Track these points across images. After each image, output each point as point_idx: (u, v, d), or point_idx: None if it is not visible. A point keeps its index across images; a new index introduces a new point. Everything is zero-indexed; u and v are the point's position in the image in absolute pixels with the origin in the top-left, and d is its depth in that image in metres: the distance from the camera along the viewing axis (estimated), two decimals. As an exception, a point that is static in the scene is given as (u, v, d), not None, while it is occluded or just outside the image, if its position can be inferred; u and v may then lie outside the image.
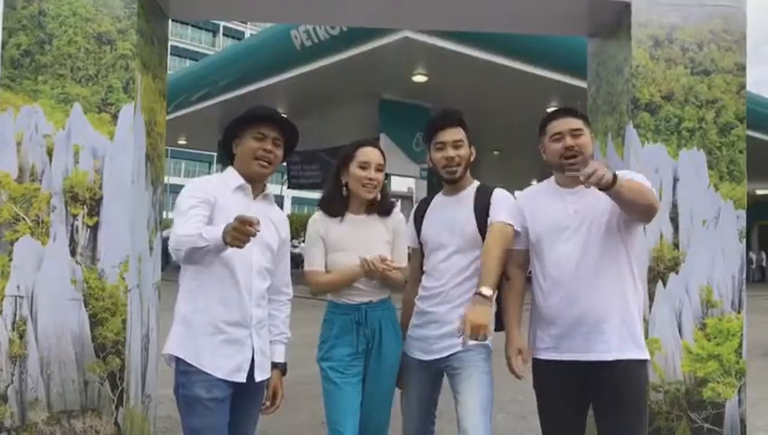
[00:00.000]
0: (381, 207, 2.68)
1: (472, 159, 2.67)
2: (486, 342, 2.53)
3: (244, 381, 2.18)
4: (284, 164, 19.97)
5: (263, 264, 2.26)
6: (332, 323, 2.61)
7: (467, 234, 2.58)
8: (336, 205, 2.66)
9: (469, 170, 2.72)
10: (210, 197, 2.17)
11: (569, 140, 2.36)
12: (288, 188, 20.51)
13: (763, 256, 27.94)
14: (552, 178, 2.54)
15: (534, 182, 25.49)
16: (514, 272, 2.54)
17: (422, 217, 2.77)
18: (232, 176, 2.30)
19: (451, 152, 2.59)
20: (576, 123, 2.40)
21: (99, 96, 3.14)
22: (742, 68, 3.36)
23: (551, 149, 2.44)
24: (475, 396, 2.48)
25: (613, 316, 2.33)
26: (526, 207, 2.52)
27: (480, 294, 2.33)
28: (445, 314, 2.57)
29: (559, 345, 2.38)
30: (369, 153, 2.61)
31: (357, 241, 2.60)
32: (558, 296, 2.36)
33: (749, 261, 28.57)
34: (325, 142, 17.78)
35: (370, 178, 2.57)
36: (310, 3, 3.70)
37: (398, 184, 16.32)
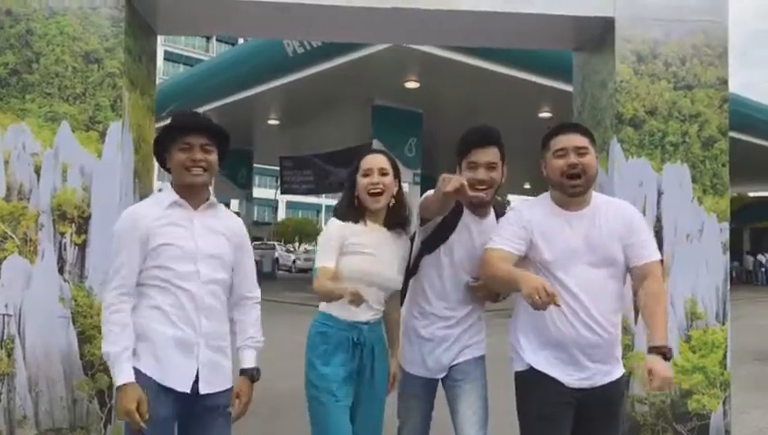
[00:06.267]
0: (399, 218, 2.59)
1: (503, 180, 2.52)
2: (483, 352, 2.58)
3: (188, 391, 2.12)
4: (278, 168, 20.05)
5: (211, 275, 2.17)
6: (327, 337, 2.48)
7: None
8: (351, 213, 2.56)
9: None
10: (137, 230, 2.12)
11: (573, 158, 2.21)
12: (281, 193, 20.50)
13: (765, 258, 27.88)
14: (548, 195, 2.38)
15: (527, 185, 25.61)
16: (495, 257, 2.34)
17: (456, 222, 2.56)
18: (166, 194, 2.25)
19: (483, 174, 2.44)
20: (581, 141, 2.25)
21: (86, 114, 3.15)
22: (724, 82, 3.41)
23: (552, 165, 2.27)
24: (475, 410, 2.50)
25: (618, 338, 2.33)
26: (536, 228, 2.32)
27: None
28: (457, 335, 2.56)
29: (567, 370, 2.27)
30: (370, 160, 2.54)
31: (378, 250, 2.51)
32: (572, 322, 2.24)
33: (740, 263, 28.65)
34: (319, 148, 17.81)
35: (374, 183, 2.49)
36: (295, 20, 3.72)
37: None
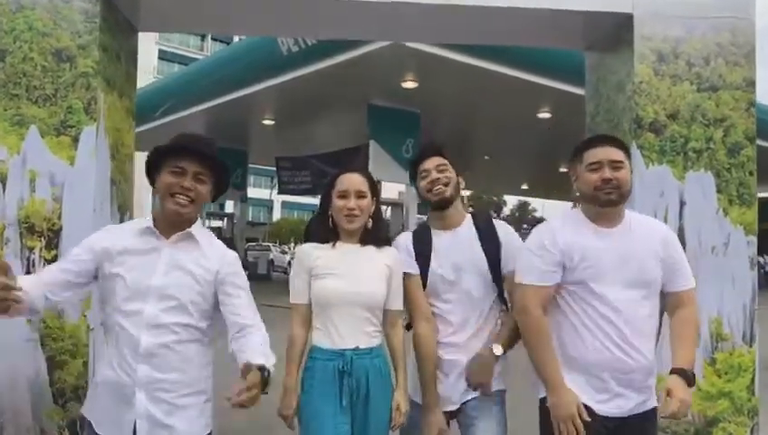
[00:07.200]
0: (375, 235, 2.44)
1: (461, 186, 2.56)
2: (502, 387, 2.46)
3: None
4: (274, 169, 19.85)
5: (160, 319, 1.89)
6: (312, 372, 2.32)
7: (478, 275, 2.43)
8: (323, 233, 2.43)
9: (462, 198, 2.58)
10: (101, 245, 1.93)
11: (607, 173, 2.12)
12: (278, 193, 20.32)
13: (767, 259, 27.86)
14: (578, 209, 2.28)
15: (525, 186, 25.44)
16: (542, 314, 2.19)
17: (427, 253, 2.51)
18: (145, 219, 2.03)
19: (435, 174, 2.49)
20: (617, 154, 2.15)
21: (57, 118, 2.88)
22: (751, 83, 3.15)
23: (585, 178, 2.18)
24: None
25: (654, 365, 2.18)
26: (573, 248, 2.17)
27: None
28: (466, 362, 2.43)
29: (598, 396, 2.13)
30: (347, 181, 2.39)
31: (349, 268, 2.35)
32: (606, 344, 2.11)
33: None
34: (314, 148, 17.58)
35: (350, 208, 2.35)
36: (289, 16, 3.46)
37: (388, 191, 16.09)
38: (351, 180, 2.39)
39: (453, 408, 2.41)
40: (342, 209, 2.36)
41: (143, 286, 1.89)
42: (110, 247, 1.91)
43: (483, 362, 2.37)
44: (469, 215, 2.56)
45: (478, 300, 2.43)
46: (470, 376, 2.38)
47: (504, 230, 2.51)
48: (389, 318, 2.42)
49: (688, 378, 2.08)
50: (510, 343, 2.41)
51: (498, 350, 2.37)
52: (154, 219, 2.00)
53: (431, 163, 2.52)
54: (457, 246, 2.47)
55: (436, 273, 2.46)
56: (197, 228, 2.03)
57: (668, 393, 2.04)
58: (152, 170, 2.00)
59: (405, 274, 2.45)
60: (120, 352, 1.88)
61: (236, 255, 2.13)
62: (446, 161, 2.53)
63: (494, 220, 2.55)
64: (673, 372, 2.11)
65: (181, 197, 1.92)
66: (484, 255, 2.44)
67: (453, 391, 2.41)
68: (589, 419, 2.05)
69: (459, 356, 2.41)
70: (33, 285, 1.84)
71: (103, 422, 1.89)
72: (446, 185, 2.48)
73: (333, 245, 2.40)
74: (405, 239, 2.55)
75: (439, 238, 2.51)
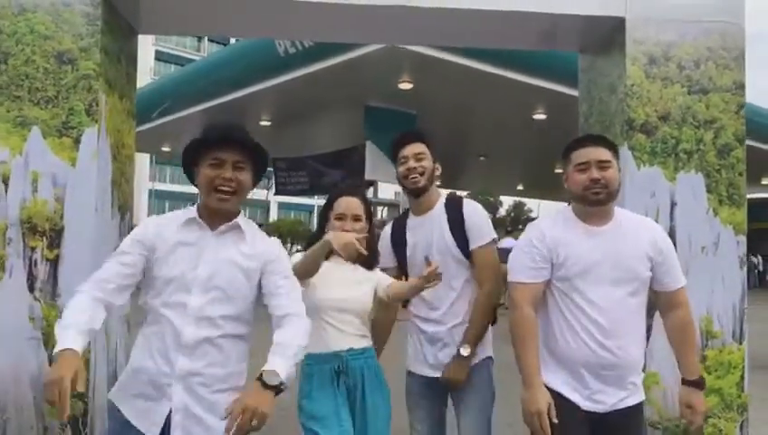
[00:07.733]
0: (366, 258, 2.51)
1: (437, 173, 2.70)
2: (489, 353, 2.65)
3: None
4: (271, 170, 19.86)
5: (205, 311, 1.88)
6: (311, 377, 2.39)
7: (448, 255, 2.59)
8: None
9: (438, 182, 2.77)
10: (148, 238, 1.93)
11: (595, 173, 2.16)
12: (275, 194, 20.31)
13: (759, 259, 27.94)
14: (570, 208, 2.32)
15: (520, 187, 25.50)
16: (530, 311, 2.22)
17: (403, 237, 2.73)
18: (188, 210, 2.02)
19: (413, 163, 2.63)
20: (604, 154, 2.19)
21: (59, 119, 2.93)
22: (741, 86, 3.22)
23: (574, 179, 2.22)
24: (478, 413, 2.56)
25: (639, 362, 2.23)
26: (560, 243, 2.23)
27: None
28: (446, 333, 2.61)
29: (580, 391, 2.18)
30: (345, 204, 2.50)
31: (338, 279, 2.46)
32: (586, 341, 2.15)
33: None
34: (312, 149, 17.61)
35: (346, 231, 2.44)
36: (287, 19, 3.51)
37: (385, 191, 16.11)
38: (349, 204, 2.50)
39: (438, 375, 2.60)
40: (339, 231, 2.45)
41: (188, 278, 1.89)
42: (158, 240, 1.92)
43: (456, 363, 2.55)
44: (444, 197, 2.70)
45: (450, 278, 2.57)
46: (446, 374, 2.56)
47: (468, 208, 2.64)
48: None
49: (701, 386, 2.26)
50: (478, 336, 2.58)
51: (465, 350, 2.53)
52: (198, 209, 2.00)
53: (410, 150, 2.65)
54: (429, 228, 2.64)
55: (410, 256, 2.67)
56: (242, 219, 2.03)
57: (689, 406, 2.23)
58: (190, 166, 2.00)
59: (382, 269, 2.64)
60: (162, 342, 1.87)
61: (279, 242, 2.12)
62: (424, 149, 2.66)
63: (463, 199, 2.69)
64: (687, 383, 2.26)
65: (223, 188, 1.92)
66: (451, 235, 2.58)
67: (436, 358, 2.61)
68: (556, 420, 2.09)
69: (438, 328, 2.61)
70: (90, 317, 1.81)
71: (134, 410, 1.88)
72: (421, 174, 2.62)
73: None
74: (385, 233, 2.79)
75: (414, 223, 2.71)
